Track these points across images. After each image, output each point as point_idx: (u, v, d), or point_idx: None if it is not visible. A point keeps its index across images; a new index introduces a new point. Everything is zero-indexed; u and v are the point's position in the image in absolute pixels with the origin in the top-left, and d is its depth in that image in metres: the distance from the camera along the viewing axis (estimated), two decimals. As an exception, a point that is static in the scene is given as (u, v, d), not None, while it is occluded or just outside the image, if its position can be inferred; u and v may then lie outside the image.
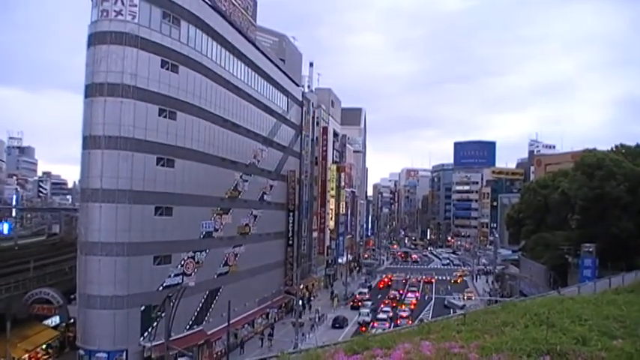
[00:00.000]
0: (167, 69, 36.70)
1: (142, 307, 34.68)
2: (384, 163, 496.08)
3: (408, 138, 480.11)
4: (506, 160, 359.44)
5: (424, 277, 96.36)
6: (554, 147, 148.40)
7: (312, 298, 71.57)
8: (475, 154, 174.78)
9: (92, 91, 33.49)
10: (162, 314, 32.14)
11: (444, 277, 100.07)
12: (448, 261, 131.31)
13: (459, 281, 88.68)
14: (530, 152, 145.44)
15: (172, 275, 37.48)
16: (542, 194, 59.47)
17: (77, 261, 34.68)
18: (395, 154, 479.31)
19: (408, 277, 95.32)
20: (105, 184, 33.33)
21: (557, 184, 56.63)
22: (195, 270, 40.35)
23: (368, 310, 62.29)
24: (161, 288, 35.93)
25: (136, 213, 34.41)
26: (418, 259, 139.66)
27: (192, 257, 40.29)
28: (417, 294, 78.26)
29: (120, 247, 33.48)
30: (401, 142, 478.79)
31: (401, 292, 79.31)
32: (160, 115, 36.20)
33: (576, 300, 16.36)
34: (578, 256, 48.37)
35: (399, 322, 54.14)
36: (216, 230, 44.19)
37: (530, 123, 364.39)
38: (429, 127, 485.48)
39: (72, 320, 38.60)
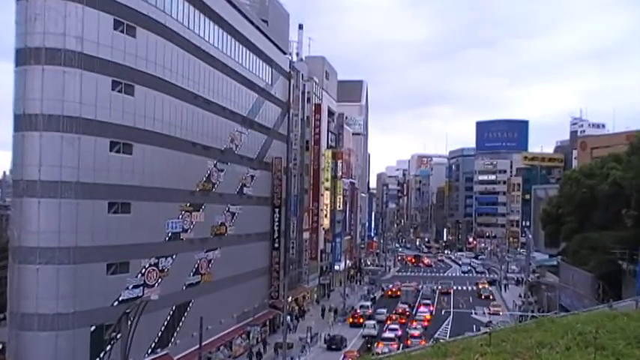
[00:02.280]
0: (122, 31, 36.21)
1: (92, 328, 34.41)
2: (390, 147, 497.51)
3: (420, 117, 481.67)
4: (542, 143, 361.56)
5: (440, 286, 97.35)
6: (603, 126, 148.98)
7: (305, 312, 71.75)
8: (502, 136, 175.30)
9: (26, 57, 32.88)
10: (118, 335, 31.82)
11: (464, 287, 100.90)
12: (469, 267, 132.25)
13: (490, 297, 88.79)
14: (573, 133, 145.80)
15: (130, 287, 37.26)
16: (588, 185, 59.55)
17: (8, 271, 34.27)
18: (404, 137, 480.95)
19: (420, 286, 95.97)
20: (44, 175, 32.86)
21: (606, 171, 56.72)
22: (159, 280, 40.17)
23: (374, 322, 64.02)
24: (116, 303, 35.68)
25: (84, 210, 34.04)
26: (432, 264, 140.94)
27: (156, 264, 40.07)
28: (432, 308, 78.80)
29: (64, 253, 33.10)
30: (411, 122, 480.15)
31: (411, 305, 79.86)
32: (113, 89, 35.81)
33: (633, 317, 16.20)
34: (634, 261, 48.38)
35: (409, 342, 54.40)
36: (185, 231, 44.01)
37: (572, 97, 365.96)
38: (445, 103, 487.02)
39: (0, 346, 38.20)
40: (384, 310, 73.77)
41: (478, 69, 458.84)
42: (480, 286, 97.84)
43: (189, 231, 44.43)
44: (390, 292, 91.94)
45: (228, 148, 51.55)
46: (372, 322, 64.59)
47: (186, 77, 43.62)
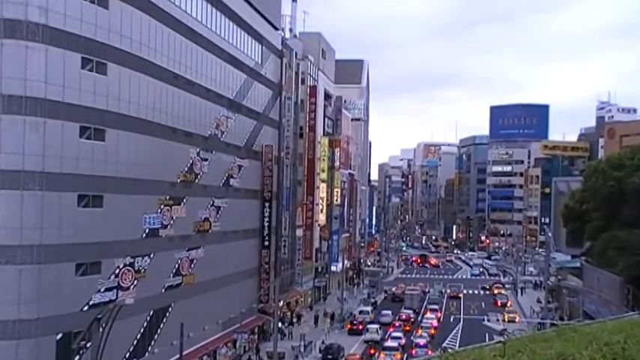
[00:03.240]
0: (92, 1, 35.94)
1: (59, 336, 34.27)
2: (393, 135, 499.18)
3: (427, 101, 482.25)
4: (564, 130, 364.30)
5: (449, 290, 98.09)
6: (634, 111, 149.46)
7: (300, 317, 71.93)
8: (519, 122, 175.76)
9: (-18, 30, 32.82)
10: (88, 344, 31.82)
11: (475, 291, 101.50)
12: (481, 269, 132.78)
13: (508, 304, 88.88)
14: (599, 119, 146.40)
15: (103, 289, 37.14)
16: (616, 177, 59.63)
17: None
18: (409, 123, 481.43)
19: (427, 290, 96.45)
20: (5, 164, 32.75)
21: (637, 162, 56.82)
22: (135, 282, 40.11)
23: (377, 326, 64.88)
24: (86, 307, 35.59)
25: (50, 204, 33.91)
26: (440, 265, 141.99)
27: (131, 264, 39.99)
28: (439, 314, 79.14)
29: (27, 252, 32.94)
30: (417, 107, 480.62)
31: (417, 311, 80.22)
32: (83, 68, 35.62)
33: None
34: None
35: (414, 352, 54.71)
36: (165, 227, 43.95)
37: (599, 78, 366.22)
38: (455, 85, 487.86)
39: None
40: (389, 312, 74.25)
41: (492, 47, 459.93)
42: (496, 291, 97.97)
43: (168, 227, 44.34)
44: (393, 296, 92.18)
45: (213, 134, 51.43)
46: (375, 325, 65.17)
47: (166, 55, 43.42)
